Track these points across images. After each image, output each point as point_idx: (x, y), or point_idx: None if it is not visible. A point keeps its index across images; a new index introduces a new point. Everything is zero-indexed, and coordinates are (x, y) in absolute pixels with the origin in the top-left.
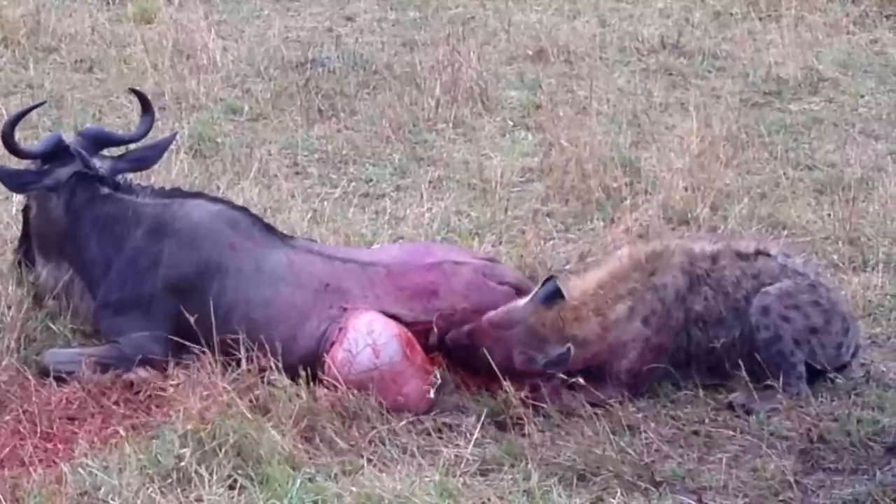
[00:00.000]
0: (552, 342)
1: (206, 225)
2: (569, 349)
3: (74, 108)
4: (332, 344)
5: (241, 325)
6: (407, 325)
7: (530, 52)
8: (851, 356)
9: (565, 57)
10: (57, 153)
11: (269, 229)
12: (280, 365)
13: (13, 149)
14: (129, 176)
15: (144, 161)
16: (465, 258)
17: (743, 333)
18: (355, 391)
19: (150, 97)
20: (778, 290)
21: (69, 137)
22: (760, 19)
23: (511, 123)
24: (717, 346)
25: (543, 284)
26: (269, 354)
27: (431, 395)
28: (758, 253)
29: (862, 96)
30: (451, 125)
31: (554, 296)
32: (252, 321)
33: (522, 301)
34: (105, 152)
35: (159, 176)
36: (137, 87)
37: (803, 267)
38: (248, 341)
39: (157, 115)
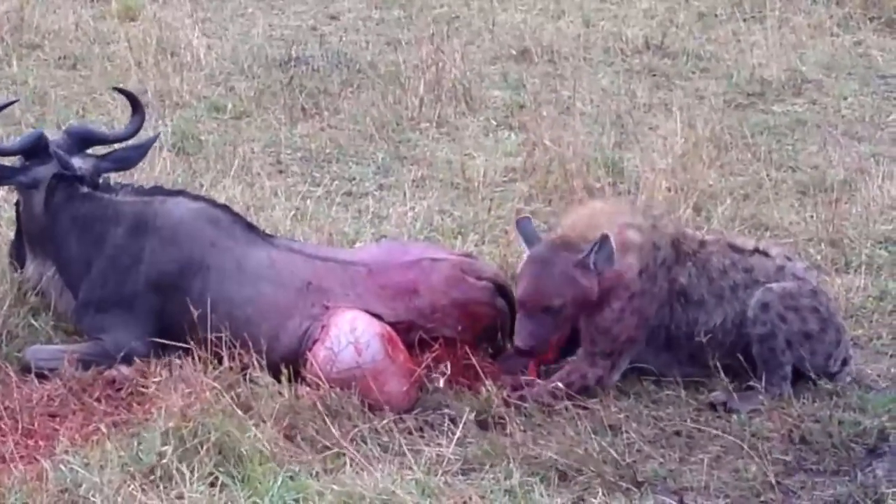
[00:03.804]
0: (585, 243)
1: (188, 223)
2: (605, 236)
3: (58, 105)
4: (315, 342)
5: (224, 323)
6: (389, 324)
7: (514, 52)
8: (840, 367)
9: (549, 57)
10: (37, 151)
11: (251, 227)
12: (263, 363)
13: None
14: (114, 174)
15: (127, 161)
16: (442, 255)
17: (726, 322)
18: (337, 389)
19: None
20: (781, 290)
21: (53, 135)
22: (745, 20)
23: (494, 123)
24: (699, 329)
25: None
26: (251, 352)
27: (441, 384)
28: (755, 250)
29: (845, 98)
30: (434, 124)
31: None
32: (234, 319)
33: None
34: (91, 151)
35: (142, 174)
36: (124, 87)
37: (804, 272)
38: (231, 339)
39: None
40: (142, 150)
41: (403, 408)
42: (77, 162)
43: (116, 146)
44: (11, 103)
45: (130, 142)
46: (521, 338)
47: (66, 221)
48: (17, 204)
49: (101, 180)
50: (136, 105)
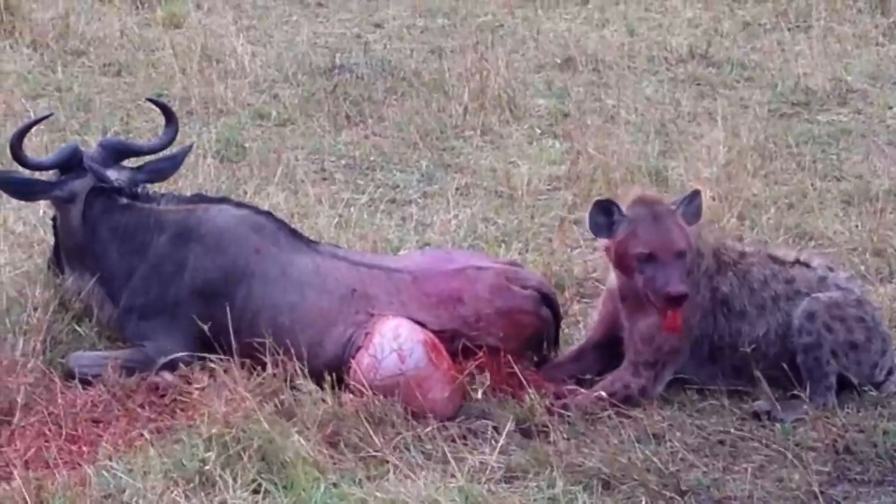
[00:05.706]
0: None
1: (232, 230)
2: (697, 191)
3: (102, 112)
4: (359, 349)
5: (268, 329)
6: (433, 332)
7: (558, 61)
8: (885, 376)
9: (593, 66)
10: (72, 165)
11: (295, 234)
12: (305, 370)
13: (21, 160)
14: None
15: (161, 172)
16: (487, 263)
17: (769, 334)
18: (381, 396)
19: (176, 103)
20: (827, 299)
21: (87, 149)
22: (789, 30)
23: (539, 131)
24: (742, 341)
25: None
26: (294, 359)
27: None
28: (796, 262)
29: (890, 108)
30: (478, 132)
31: None
32: (279, 326)
33: None
34: (126, 162)
35: (186, 180)
36: (158, 97)
37: (846, 282)
38: (275, 346)
39: (182, 122)
40: (176, 161)
41: (447, 415)
42: (112, 174)
43: (150, 158)
44: (45, 118)
45: (164, 153)
46: (674, 284)
47: (105, 233)
48: (53, 219)
49: (139, 190)
50: (169, 116)
